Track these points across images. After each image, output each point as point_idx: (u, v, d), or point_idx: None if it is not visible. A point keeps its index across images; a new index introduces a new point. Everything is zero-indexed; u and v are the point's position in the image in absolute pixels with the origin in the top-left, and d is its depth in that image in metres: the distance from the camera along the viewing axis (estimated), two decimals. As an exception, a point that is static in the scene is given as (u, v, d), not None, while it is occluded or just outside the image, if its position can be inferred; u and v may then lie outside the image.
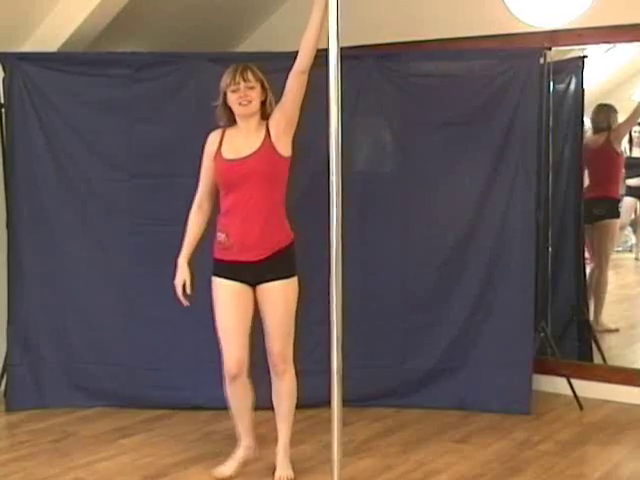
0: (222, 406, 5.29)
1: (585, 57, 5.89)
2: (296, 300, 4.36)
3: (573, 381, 5.52)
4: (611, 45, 5.80)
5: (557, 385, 5.62)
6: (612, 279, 6.66)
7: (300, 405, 5.19)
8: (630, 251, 7.13)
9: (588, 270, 6.41)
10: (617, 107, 6.52)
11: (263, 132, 4.27)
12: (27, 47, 5.51)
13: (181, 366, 5.40)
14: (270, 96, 4.35)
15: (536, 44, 5.43)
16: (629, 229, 7.10)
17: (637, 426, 5.18)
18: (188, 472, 4.44)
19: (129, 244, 5.44)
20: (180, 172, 5.33)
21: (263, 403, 5.28)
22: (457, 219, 5.42)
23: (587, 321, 6.14)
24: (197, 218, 4.47)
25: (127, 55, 5.66)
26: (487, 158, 5.35)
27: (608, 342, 6.19)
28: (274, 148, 4.24)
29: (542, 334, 5.59)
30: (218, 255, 4.33)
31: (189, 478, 4.36)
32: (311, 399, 4.81)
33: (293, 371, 4.43)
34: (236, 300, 4.30)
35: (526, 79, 5.32)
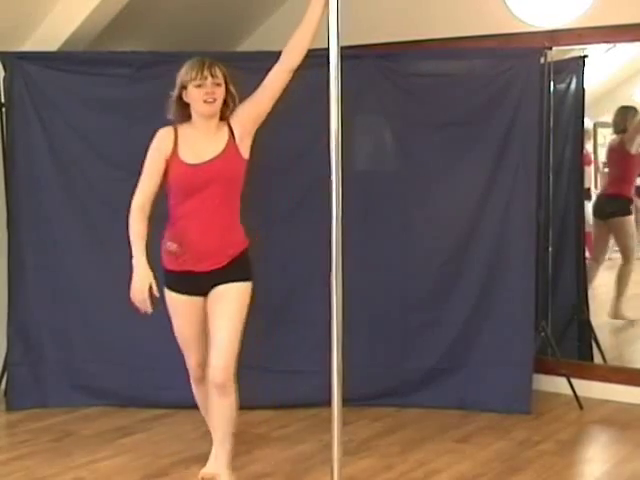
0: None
1: (586, 57, 5.89)
2: (247, 308, 4.07)
3: (573, 381, 5.52)
4: (611, 45, 5.80)
5: (557, 385, 5.62)
6: (612, 278, 6.66)
7: (300, 404, 5.22)
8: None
9: (588, 270, 6.42)
10: (618, 107, 6.54)
11: (225, 133, 3.99)
12: (28, 46, 5.52)
13: (181, 365, 5.39)
14: (233, 95, 4.08)
15: (536, 44, 5.44)
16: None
17: (637, 426, 5.18)
18: (188, 471, 4.44)
19: (129, 243, 5.43)
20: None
21: (261, 402, 5.32)
22: (457, 219, 5.42)
23: (588, 321, 6.14)
24: (142, 222, 4.10)
25: (128, 54, 5.66)
26: (487, 158, 5.35)
27: (608, 342, 6.19)
28: (237, 150, 4.00)
29: (542, 334, 5.59)
30: (169, 266, 4.05)
31: (189, 477, 4.36)
32: (311, 399, 4.82)
33: (235, 387, 4.09)
34: (193, 314, 4.06)
35: (526, 79, 5.32)
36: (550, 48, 5.43)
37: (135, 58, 5.51)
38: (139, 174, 5.42)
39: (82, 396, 5.42)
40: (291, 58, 4.08)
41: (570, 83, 6.01)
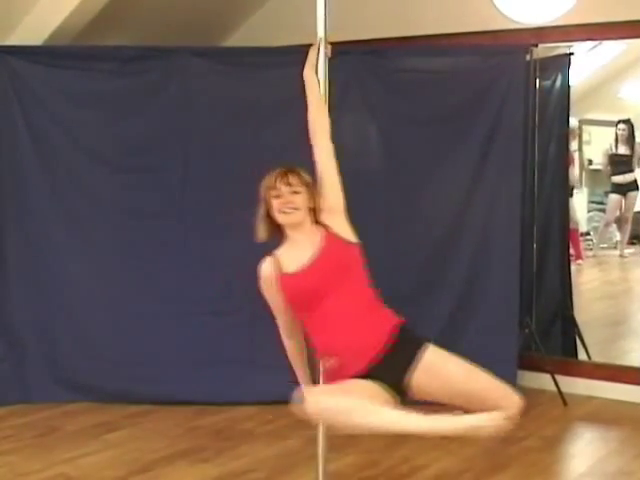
0: (206, 401, 5.32)
1: (571, 54, 5.90)
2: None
3: (558, 377, 5.54)
4: (597, 42, 5.81)
5: (542, 381, 5.62)
6: (597, 275, 6.70)
7: (285, 400, 5.21)
8: (615, 248, 7.15)
9: (573, 267, 6.44)
10: (603, 104, 6.56)
11: (319, 230, 3.55)
12: (12, 40, 5.48)
13: (166, 361, 5.40)
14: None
15: (523, 41, 5.45)
16: (614, 226, 7.12)
17: (621, 422, 5.20)
18: (173, 467, 4.44)
19: (114, 238, 5.43)
20: (164, 166, 5.36)
21: (246, 398, 5.32)
22: (442, 215, 5.43)
23: (572, 317, 6.15)
24: (294, 345, 3.71)
25: (112, 49, 5.65)
26: (473, 154, 5.36)
27: (593, 338, 6.20)
28: (337, 237, 3.55)
29: (527, 330, 5.61)
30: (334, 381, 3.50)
31: (174, 473, 4.36)
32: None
33: None
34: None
35: (512, 76, 5.34)
36: (536, 45, 5.45)
37: (120, 52, 5.50)
38: (123, 169, 5.44)
39: (66, 392, 5.39)
40: (314, 130, 3.71)
41: (555, 80, 6.02)
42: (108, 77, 5.43)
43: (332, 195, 3.62)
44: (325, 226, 3.56)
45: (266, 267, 3.58)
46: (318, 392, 3.44)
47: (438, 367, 3.53)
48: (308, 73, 3.71)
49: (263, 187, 3.63)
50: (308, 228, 3.56)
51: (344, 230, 3.58)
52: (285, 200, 3.54)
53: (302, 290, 3.48)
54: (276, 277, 3.52)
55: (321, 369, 3.60)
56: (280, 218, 3.57)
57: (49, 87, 5.37)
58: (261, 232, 3.65)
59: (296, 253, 3.53)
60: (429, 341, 3.55)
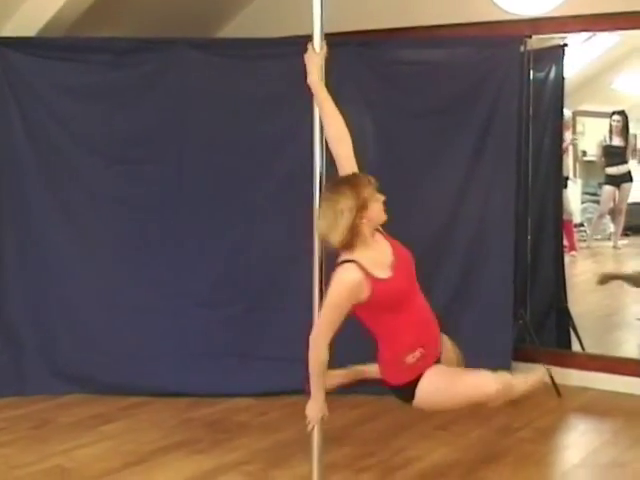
0: (201, 393, 5.33)
1: (565, 45, 5.89)
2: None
3: (552, 369, 5.54)
4: (591, 34, 5.81)
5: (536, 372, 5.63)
6: (591, 267, 6.71)
7: (280, 392, 5.22)
8: (609, 239, 7.16)
9: (567, 258, 6.45)
10: (597, 96, 6.56)
11: (378, 234, 3.76)
12: (6, 32, 5.46)
13: (161, 353, 5.40)
14: None
15: (518, 32, 5.46)
16: (608, 217, 7.13)
17: (615, 413, 5.21)
18: (168, 458, 4.44)
19: (111, 231, 5.43)
20: (160, 159, 5.36)
21: (241, 390, 5.33)
22: (438, 207, 5.43)
23: (566, 309, 6.16)
24: (327, 353, 3.72)
25: (107, 41, 5.63)
26: (468, 146, 5.37)
27: (587, 330, 6.21)
28: (393, 240, 3.80)
29: (521, 322, 5.62)
30: (409, 378, 3.71)
31: (169, 464, 4.36)
32: (291, 387, 4.82)
33: None
34: None
35: (507, 67, 5.35)
36: (530, 37, 5.46)
37: (115, 44, 5.49)
38: (120, 161, 5.42)
39: (61, 384, 5.39)
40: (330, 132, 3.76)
41: (550, 72, 6.02)
42: (103, 69, 5.42)
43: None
44: (378, 231, 3.74)
45: (356, 274, 3.56)
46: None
47: (432, 395, 3.71)
48: (314, 83, 3.69)
49: (366, 193, 3.63)
50: (375, 234, 3.71)
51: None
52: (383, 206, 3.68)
53: (398, 292, 3.62)
54: (370, 283, 3.55)
55: (407, 363, 3.67)
56: (383, 217, 3.71)
57: (43, 79, 5.35)
58: (344, 237, 3.58)
59: (375, 258, 3.62)
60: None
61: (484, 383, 3.72)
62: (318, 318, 3.75)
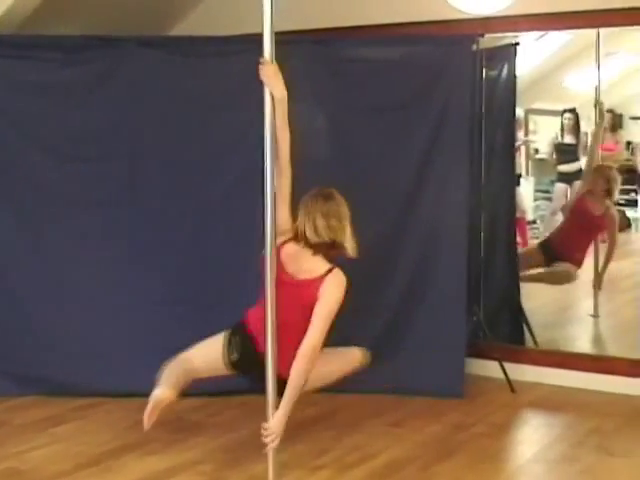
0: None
1: (517, 44, 5.93)
2: None
3: (505, 364, 5.59)
4: (543, 32, 5.86)
5: (489, 368, 5.68)
6: (543, 263, 6.76)
7: (234, 392, 5.21)
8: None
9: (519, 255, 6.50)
10: (549, 94, 6.62)
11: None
12: (-45, 29, 5.41)
13: (114, 352, 5.36)
14: None
15: (469, 31, 5.48)
16: (560, 214, 7.20)
17: (568, 408, 5.27)
18: (121, 460, 4.41)
19: (64, 229, 5.37)
20: (113, 157, 5.33)
21: (195, 389, 5.29)
22: (391, 203, 5.44)
23: (519, 304, 6.21)
24: None
25: (58, 38, 5.57)
26: (420, 144, 5.39)
27: (539, 325, 6.27)
28: None
29: (475, 318, 5.65)
30: None
31: (122, 466, 4.33)
32: (245, 386, 4.82)
33: None
34: None
35: (459, 65, 5.37)
36: (482, 35, 5.48)
37: (65, 42, 5.44)
38: (72, 159, 5.37)
39: (13, 385, 5.32)
40: (280, 157, 4.01)
41: (502, 70, 6.06)
42: (54, 67, 5.37)
43: None
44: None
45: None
46: None
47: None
48: (285, 99, 3.85)
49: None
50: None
51: None
52: None
53: None
54: None
55: None
56: None
57: (-7, 76, 5.30)
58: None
59: None
60: None
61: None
62: (317, 327, 3.94)
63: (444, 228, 5.41)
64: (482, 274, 5.88)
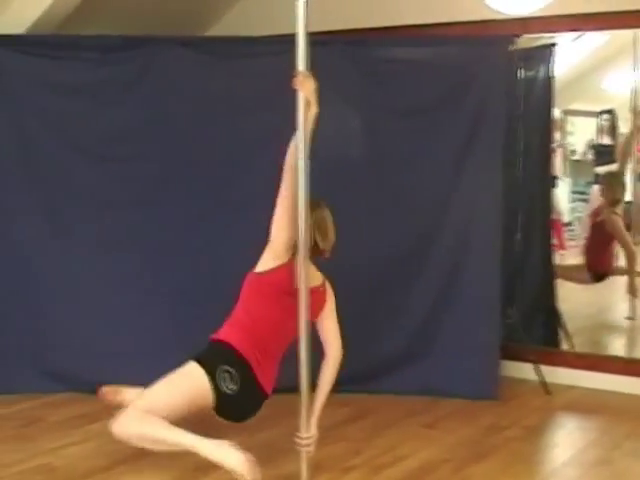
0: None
1: (554, 45, 5.90)
2: None
3: (540, 367, 5.56)
4: (580, 33, 5.82)
5: (524, 371, 5.66)
6: (579, 266, 6.70)
7: (275, 391, 5.22)
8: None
9: (557, 257, 6.45)
10: (586, 95, 6.58)
11: None
12: (-5, 29, 5.46)
13: (148, 351, 5.39)
14: None
15: (506, 31, 5.47)
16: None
17: (603, 411, 5.23)
18: (156, 457, 4.41)
19: (95, 229, 5.41)
20: (147, 156, 5.35)
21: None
22: (424, 205, 5.43)
23: (554, 307, 6.17)
24: None
25: (95, 38, 5.61)
26: (455, 145, 5.37)
27: (575, 328, 6.22)
28: None
29: (509, 320, 5.63)
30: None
31: (156, 463, 4.35)
32: (279, 385, 4.82)
33: None
34: None
35: (495, 66, 5.35)
36: (519, 36, 5.46)
37: (102, 42, 5.48)
38: (106, 158, 5.41)
39: (49, 382, 5.38)
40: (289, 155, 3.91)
41: (539, 71, 6.03)
42: (90, 67, 5.41)
43: None
44: None
45: None
46: None
47: None
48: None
49: None
50: None
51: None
52: None
53: None
54: None
55: None
56: None
57: (31, 76, 5.34)
58: None
59: None
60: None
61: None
62: (338, 333, 4.07)
63: (477, 230, 5.39)
64: (518, 276, 5.85)
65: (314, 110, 3.78)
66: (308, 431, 3.89)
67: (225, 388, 3.95)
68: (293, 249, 3.97)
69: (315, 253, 4.03)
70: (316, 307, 4.04)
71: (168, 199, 5.42)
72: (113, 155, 5.39)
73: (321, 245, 4.07)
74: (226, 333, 4.07)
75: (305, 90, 3.71)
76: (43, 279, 5.43)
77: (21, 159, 5.35)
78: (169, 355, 5.35)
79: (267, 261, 4.03)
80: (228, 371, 3.95)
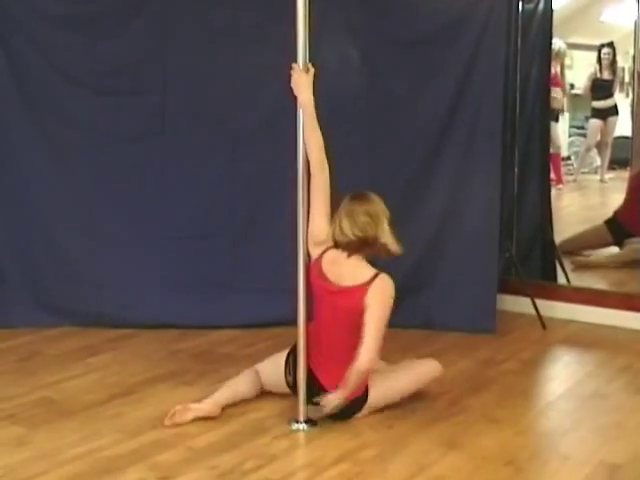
0: (187, 324, 5.34)
1: (554, -24, 5.84)
2: None
3: (537, 301, 5.58)
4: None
5: (521, 305, 5.67)
6: (577, 200, 6.73)
7: (265, 324, 5.25)
8: (595, 173, 7.17)
9: (553, 191, 6.45)
10: (586, 28, 6.52)
11: None
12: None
13: (147, 285, 5.40)
14: None
15: (507, -37, 5.39)
16: (594, 151, 7.13)
17: (599, 346, 5.26)
18: (155, 390, 4.46)
19: (95, 163, 5.38)
20: (146, 89, 5.30)
21: (226, 321, 5.34)
22: (423, 138, 5.39)
23: (551, 241, 6.18)
24: None
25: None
26: (454, 78, 5.31)
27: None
28: None
29: (507, 254, 5.63)
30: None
31: (156, 396, 4.38)
32: (276, 318, 4.85)
33: None
34: None
35: (494, -2, 5.28)
36: (519, -33, 5.39)
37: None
38: (104, 92, 5.36)
39: (48, 316, 5.38)
40: (310, 161, 3.90)
41: (538, 3, 5.96)
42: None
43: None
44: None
45: None
46: None
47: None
48: (307, 102, 3.85)
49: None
50: None
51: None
52: None
53: None
54: None
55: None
56: None
57: (26, 9, 5.25)
58: None
59: None
60: None
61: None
62: (372, 339, 3.82)
63: (476, 164, 5.36)
64: (515, 210, 5.84)
65: (300, 99, 3.85)
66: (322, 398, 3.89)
67: (287, 376, 4.16)
68: (329, 242, 3.96)
69: (362, 248, 3.96)
70: (350, 306, 3.90)
71: (168, 132, 5.38)
72: (111, 88, 5.32)
73: (338, 238, 3.94)
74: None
75: (298, 88, 3.82)
76: (43, 213, 5.40)
77: (17, 91, 5.28)
78: (169, 289, 5.42)
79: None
80: (289, 361, 4.13)
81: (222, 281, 5.40)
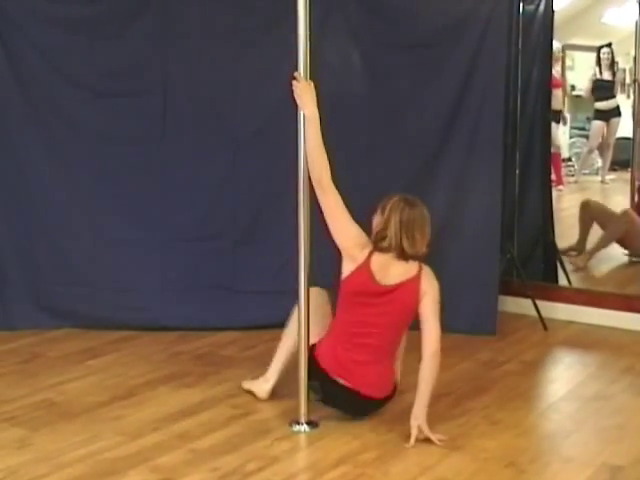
0: (188, 326, 5.34)
1: (555, -22, 5.84)
2: None
3: (538, 302, 5.58)
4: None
5: (522, 306, 5.67)
6: (578, 202, 6.70)
7: (266, 326, 5.24)
8: (596, 174, 7.17)
9: (554, 193, 6.45)
10: (587, 29, 6.52)
11: None
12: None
13: (149, 287, 5.40)
14: None
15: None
16: (596, 152, 7.13)
17: (600, 347, 5.26)
18: (156, 392, 4.46)
19: (95, 164, 5.38)
20: (147, 91, 5.30)
21: (227, 323, 5.34)
22: (424, 140, 5.40)
23: (553, 243, 6.18)
24: None
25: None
26: (455, 79, 5.32)
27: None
28: None
29: (508, 255, 5.63)
30: None
31: (157, 398, 4.38)
32: (276, 320, 4.84)
33: None
34: None
35: (495, 0, 5.27)
36: (520, -31, 5.39)
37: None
38: (104, 94, 5.37)
39: (49, 318, 5.39)
40: (311, 172, 3.89)
41: (539, 4, 5.97)
42: (84, 1, 5.34)
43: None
44: None
45: None
46: None
47: None
48: (313, 116, 3.84)
49: None
50: None
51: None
52: None
53: None
54: None
55: None
56: None
57: (26, 11, 5.26)
58: None
59: None
60: None
61: None
62: (436, 322, 4.05)
63: (478, 164, 5.36)
64: (516, 211, 5.84)
65: (306, 113, 3.83)
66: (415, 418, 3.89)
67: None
68: (369, 245, 3.97)
69: (403, 256, 3.96)
70: (407, 299, 3.99)
71: (169, 135, 5.38)
72: (112, 90, 5.32)
73: (409, 251, 3.96)
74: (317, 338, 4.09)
75: (296, 94, 3.79)
76: (44, 216, 5.40)
77: (18, 93, 5.29)
78: (170, 291, 5.43)
79: (346, 266, 3.98)
80: (311, 386, 4.05)
81: (223, 283, 5.41)
